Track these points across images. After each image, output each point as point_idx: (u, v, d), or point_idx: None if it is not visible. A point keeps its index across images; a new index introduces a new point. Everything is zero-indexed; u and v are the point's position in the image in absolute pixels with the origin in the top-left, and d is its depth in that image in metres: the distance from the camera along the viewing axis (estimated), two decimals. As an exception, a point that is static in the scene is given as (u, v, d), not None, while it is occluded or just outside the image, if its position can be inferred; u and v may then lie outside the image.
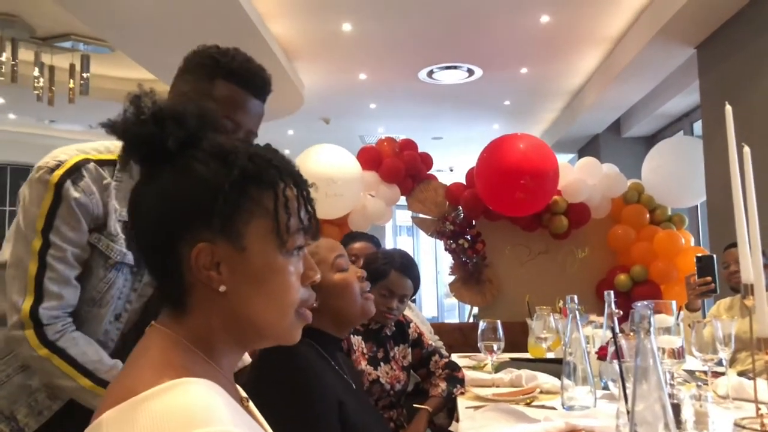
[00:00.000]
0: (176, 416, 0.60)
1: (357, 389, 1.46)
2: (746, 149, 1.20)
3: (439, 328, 4.66)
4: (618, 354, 1.23)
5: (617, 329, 1.46)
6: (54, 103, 5.24)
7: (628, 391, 1.13)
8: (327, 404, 1.25)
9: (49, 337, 1.20)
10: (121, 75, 6.17)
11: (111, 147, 1.30)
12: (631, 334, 1.31)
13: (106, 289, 1.28)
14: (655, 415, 1.07)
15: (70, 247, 1.23)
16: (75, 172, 1.23)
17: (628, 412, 1.11)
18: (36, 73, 5.10)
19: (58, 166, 1.23)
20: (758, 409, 1.13)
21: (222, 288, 0.73)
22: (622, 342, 1.33)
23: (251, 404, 0.90)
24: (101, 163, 1.27)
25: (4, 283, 1.23)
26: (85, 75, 4.87)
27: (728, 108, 1.26)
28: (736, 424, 0.63)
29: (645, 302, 1.06)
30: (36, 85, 5.12)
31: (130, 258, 1.29)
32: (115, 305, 1.30)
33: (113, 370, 1.24)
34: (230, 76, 1.30)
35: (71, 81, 5.02)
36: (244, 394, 0.91)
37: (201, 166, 0.73)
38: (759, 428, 0.62)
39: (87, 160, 1.26)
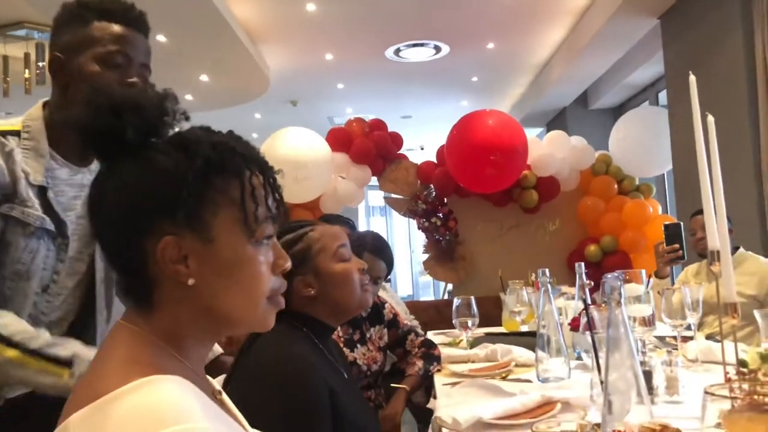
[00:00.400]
0: (146, 415, 0.59)
1: (349, 378, 1.44)
2: (710, 118, 1.21)
3: (415, 306, 4.68)
4: (590, 325, 1.25)
5: (588, 300, 1.48)
6: (9, 93, 5.07)
7: (601, 362, 1.15)
8: (320, 395, 1.23)
9: None
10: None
11: (14, 121, 1.28)
12: (603, 305, 1.32)
13: (31, 260, 1.24)
14: (627, 383, 1.09)
15: None
16: None
17: (601, 382, 1.13)
18: (-11, 63, 4.93)
19: None
20: (726, 372, 1.15)
21: (191, 281, 0.71)
22: (594, 313, 1.35)
23: (224, 396, 0.89)
24: (3, 134, 1.24)
25: None
26: (40, 64, 4.71)
27: (692, 78, 1.27)
28: (706, 392, 0.64)
29: (615, 273, 1.07)
30: (-10, 76, 4.95)
31: (48, 223, 1.24)
32: (41, 276, 1.25)
33: (40, 338, 1.18)
34: (104, 15, 1.29)
35: (26, 71, 4.86)
36: (217, 386, 0.89)
37: (163, 157, 0.71)
38: (728, 394, 0.63)
39: None
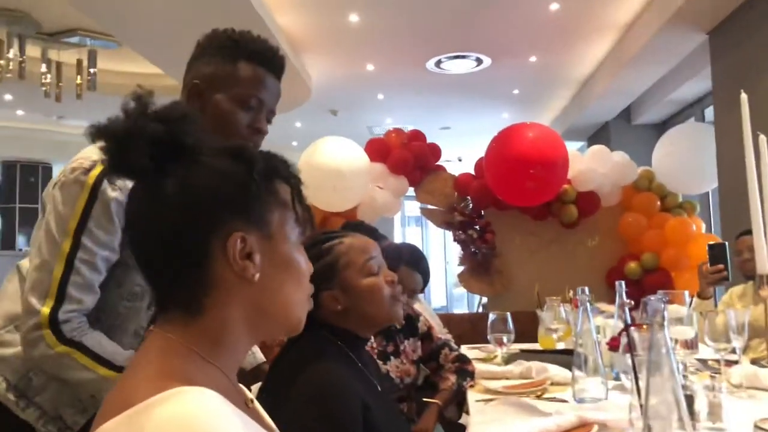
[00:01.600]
0: (176, 425, 0.59)
1: (383, 392, 1.42)
2: (762, 137, 1.18)
3: (448, 319, 4.65)
4: (630, 347, 1.22)
5: (629, 321, 1.45)
6: (62, 99, 5.25)
7: (641, 384, 1.12)
8: (352, 408, 1.22)
9: (66, 335, 1.19)
10: (129, 70, 6.18)
11: None
12: (644, 327, 1.29)
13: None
14: (668, 408, 1.06)
15: (100, 250, 1.22)
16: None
17: (641, 406, 1.10)
18: (43, 69, 5.10)
19: (93, 166, 1.22)
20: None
21: (257, 276, 0.74)
22: (635, 335, 1.31)
23: (256, 404, 0.89)
24: None
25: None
26: (92, 70, 4.86)
27: (744, 96, 1.24)
28: (757, 426, 0.62)
29: (658, 295, 1.05)
30: (43, 81, 5.12)
31: None
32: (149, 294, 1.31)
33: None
34: (252, 57, 1.33)
35: (78, 77, 5.02)
36: (249, 395, 0.90)
37: (220, 162, 0.75)
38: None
39: None
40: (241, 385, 0.91)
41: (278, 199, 0.78)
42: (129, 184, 1.21)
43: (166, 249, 0.74)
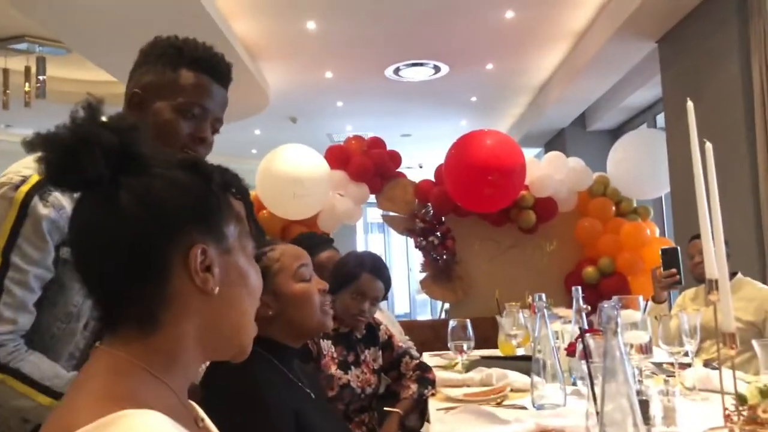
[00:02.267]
0: None
1: (317, 398, 1.42)
2: (708, 145, 1.20)
3: (411, 325, 4.65)
4: (586, 354, 1.23)
5: (585, 326, 1.46)
6: (9, 106, 5.08)
7: (597, 391, 1.13)
8: (280, 416, 1.21)
9: (0, 360, 1.13)
10: (79, 77, 6.02)
11: None
12: (600, 334, 1.31)
13: (83, 301, 1.24)
14: (623, 414, 1.07)
15: (33, 268, 1.16)
16: (42, 187, 1.16)
17: (597, 413, 1.11)
18: (-10, 76, 4.94)
19: (23, 182, 1.16)
20: (724, 407, 1.13)
21: (217, 289, 0.73)
22: (590, 341, 1.32)
23: (207, 422, 0.86)
24: None
25: None
26: (40, 77, 4.72)
27: (690, 104, 1.27)
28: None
29: (611, 301, 1.06)
30: (-10, 88, 4.96)
31: None
32: (86, 314, 1.26)
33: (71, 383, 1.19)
34: (195, 64, 1.29)
35: (27, 84, 4.87)
36: (201, 413, 0.87)
37: (176, 174, 0.72)
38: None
39: None
40: (192, 403, 0.88)
41: (233, 213, 0.78)
42: (62, 200, 1.17)
43: (122, 265, 0.70)
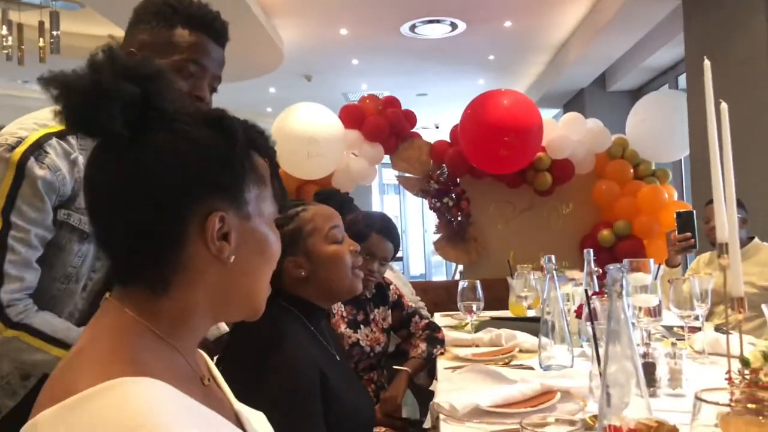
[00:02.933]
0: (111, 423, 0.57)
1: (341, 361, 1.44)
2: (723, 105, 1.16)
3: (425, 286, 4.68)
4: (590, 316, 1.22)
5: (596, 288, 1.45)
6: (24, 62, 5.08)
7: (601, 353, 1.12)
8: (309, 377, 1.23)
9: (12, 319, 1.16)
10: (93, 32, 5.98)
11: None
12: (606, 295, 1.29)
13: (81, 263, 1.25)
14: (627, 375, 1.07)
15: (34, 227, 1.17)
16: (38, 148, 1.17)
17: (600, 374, 1.11)
18: (4, 31, 4.92)
19: (18, 143, 1.16)
20: (729, 370, 1.12)
21: (232, 258, 0.71)
22: (596, 303, 1.32)
23: (218, 378, 0.87)
24: (63, 134, 1.20)
25: None
26: (54, 33, 4.70)
27: (707, 63, 1.22)
28: (697, 398, 0.62)
29: (618, 264, 1.04)
30: (4, 44, 4.94)
31: None
32: (86, 276, 1.28)
33: (70, 332, 1.21)
34: (190, 22, 1.27)
35: (41, 39, 4.85)
36: (212, 369, 0.87)
37: (200, 132, 0.69)
38: (721, 403, 0.61)
39: (49, 135, 1.19)
40: (204, 357, 0.88)
41: (257, 175, 0.74)
42: (58, 162, 1.17)
43: (136, 225, 0.68)
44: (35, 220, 1.17)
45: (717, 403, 0.61)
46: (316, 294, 1.38)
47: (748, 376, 0.90)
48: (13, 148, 1.16)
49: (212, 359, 1.63)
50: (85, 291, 1.29)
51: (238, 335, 1.31)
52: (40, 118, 1.22)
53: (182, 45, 1.26)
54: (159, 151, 0.68)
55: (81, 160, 1.22)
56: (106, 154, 0.70)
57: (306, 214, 1.39)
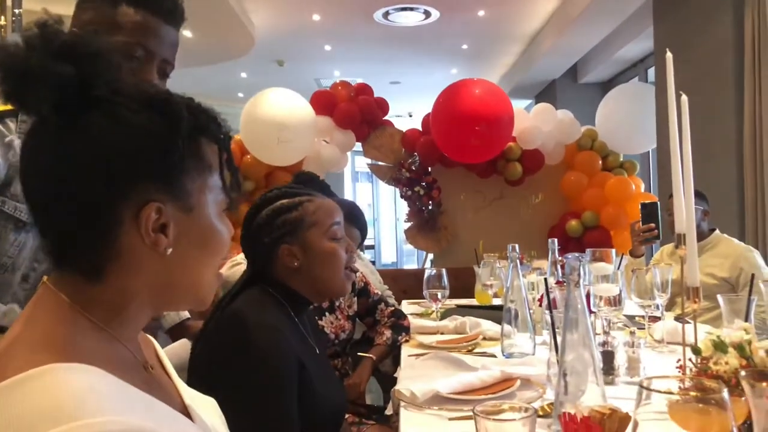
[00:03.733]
0: (41, 410, 0.55)
1: (320, 354, 1.42)
2: (684, 98, 1.18)
3: (395, 274, 4.69)
4: (549, 304, 1.23)
5: (554, 280, 1.46)
6: (-14, 41, 4.93)
7: (559, 341, 1.13)
8: (286, 365, 1.22)
9: None
10: (57, 11, 5.81)
11: None
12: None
13: (18, 253, 1.19)
14: (584, 364, 1.08)
15: None
16: None
17: (558, 362, 1.11)
18: (-35, 8, 4.77)
19: None
20: (684, 353, 1.14)
21: (169, 251, 0.67)
22: (556, 293, 1.33)
23: (165, 362, 0.85)
24: (2, 116, 1.14)
25: None
26: (16, 11, 4.56)
27: (669, 56, 1.24)
28: (641, 386, 0.62)
29: (577, 254, 1.05)
30: (-34, 22, 4.79)
31: None
32: (24, 266, 1.21)
33: (9, 314, 1.15)
34: (135, 1, 1.18)
35: (2, 17, 4.71)
36: (159, 352, 0.85)
37: (139, 116, 0.65)
38: (663, 391, 0.61)
39: None
40: (152, 342, 0.86)
41: (203, 163, 0.70)
42: (15, 138, 1.11)
43: (68, 212, 0.65)
44: None
45: (659, 391, 0.61)
46: (305, 287, 1.36)
47: (698, 365, 0.91)
48: None
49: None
50: (27, 282, 1.22)
51: (218, 316, 1.29)
52: None
53: (126, 26, 1.17)
54: (90, 137, 0.64)
55: (17, 143, 1.14)
56: (37, 137, 0.67)
57: (310, 206, 1.37)
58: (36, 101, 0.62)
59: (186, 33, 6.09)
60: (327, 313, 2.13)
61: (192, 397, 0.82)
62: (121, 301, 0.68)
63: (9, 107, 1.15)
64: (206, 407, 0.83)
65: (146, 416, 0.60)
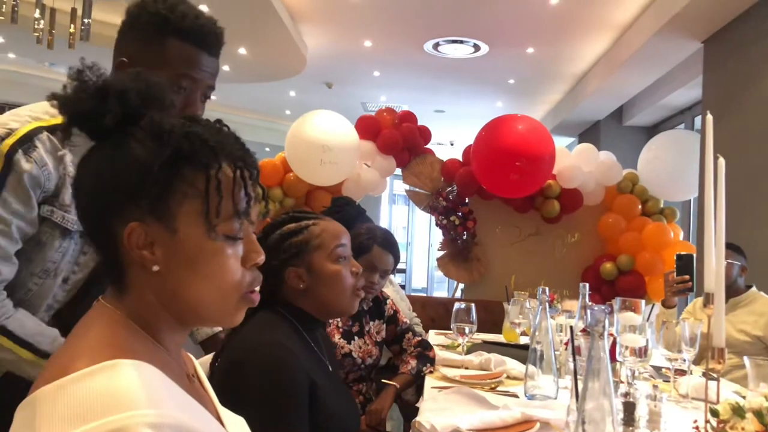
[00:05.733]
0: (103, 398, 0.62)
1: (333, 371, 1.47)
2: (721, 161, 1.20)
3: (425, 301, 4.71)
4: (573, 351, 1.26)
5: (582, 325, 1.48)
6: (53, 46, 5.17)
7: (581, 388, 1.16)
8: (297, 384, 1.26)
9: None
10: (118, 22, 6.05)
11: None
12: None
13: (61, 258, 1.25)
14: (603, 413, 1.10)
15: (16, 220, 1.16)
16: (27, 141, 1.17)
17: (578, 409, 1.14)
18: (37, 14, 5.02)
19: (8, 135, 1.16)
20: (706, 412, 1.15)
21: (155, 268, 0.73)
22: (581, 341, 1.35)
23: (203, 378, 0.91)
24: (55, 128, 1.20)
25: None
26: (86, 20, 4.79)
27: (709, 117, 1.27)
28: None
29: (602, 306, 1.08)
30: (36, 27, 5.04)
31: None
32: (65, 269, 1.27)
33: (55, 342, 1.21)
34: (182, 35, 1.24)
35: (72, 26, 4.94)
36: (198, 368, 0.92)
37: (136, 145, 0.73)
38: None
39: (40, 129, 1.19)
40: (191, 357, 0.93)
41: (190, 190, 0.73)
42: (45, 158, 1.19)
43: (87, 226, 0.77)
44: (18, 213, 1.17)
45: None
46: (313, 307, 1.41)
47: (716, 428, 0.93)
48: (2, 139, 1.16)
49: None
50: (66, 284, 1.28)
51: (233, 336, 1.35)
52: (36, 111, 1.22)
53: (173, 59, 1.23)
54: (95, 163, 0.75)
55: (69, 157, 1.21)
56: (81, 160, 0.78)
57: (315, 229, 1.42)
58: (68, 131, 0.77)
59: (241, 51, 6.29)
60: (356, 337, 2.18)
61: (224, 412, 0.88)
62: (145, 311, 0.76)
63: (61, 121, 1.24)
64: (237, 424, 0.88)
65: (193, 417, 0.67)
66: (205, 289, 0.75)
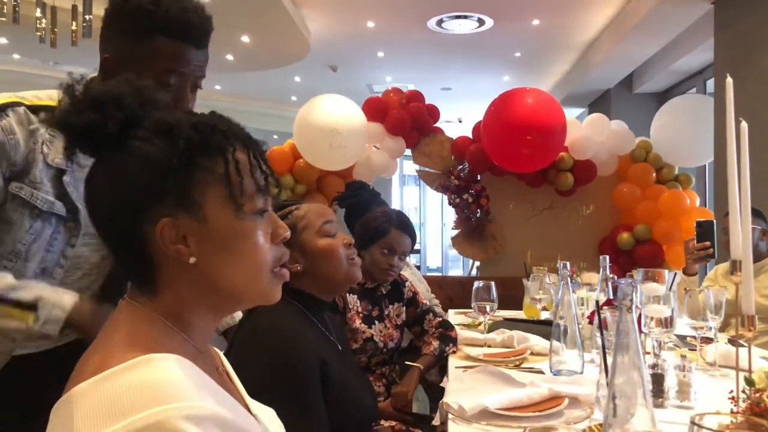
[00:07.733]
0: (140, 392, 0.62)
1: (343, 350, 1.49)
2: (743, 125, 1.17)
3: (441, 281, 4.71)
4: (600, 327, 1.24)
5: (604, 298, 1.47)
6: (56, 44, 5.16)
7: (609, 363, 1.14)
8: (307, 364, 1.29)
9: None
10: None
11: (54, 95, 1.21)
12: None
13: (32, 240, 1.21)
14: (633, 387, 1.09)
15: None
16: (1, 111, 1.17)
17: (607, 384, 1.13)
18: (38, 13, 5.00)
19: None
20: (738, 381, 1.14)
21: (192, 259, 0.74)
22: (607, 314, 1.33)
23: (230, 371, 0.92)
24: (36, 108, 1.19)
25: None
26: (87, 17, 4.77)
27: (729, 81, 1.23)
28: (693, 422, 0.64)
29: (628, 279, 1.06)
30: (38, 26, 5.03)
31: (59, 207, 1.22)
32: (42, 257, 1.23)
33: (1, 282, 1.15)
34: (167, 31, 1.21)
35: (73, 23, 4.93)
36: (224, 361, 0.92)
37: (146, 145, 0.73)
38: (715, 429, 0.63)
39: (18, 103, 1.19)
40: (216, 351, 0.93)
41: (210, 176, 0.75)
42: (14, 126, 1.17)
43: (110, 235, 0.76)
44: None
45: (711, 429, 0.63)
46: (314, 287, 1.46)
47: (751, 397, 0.91)
48: None
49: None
50: (51, 276, 1.24)
51: (243, 326, 1.38)
52: (24, 93, 1.22)
53: (159, 56, 1.21)
54: (107, 167, 0.75)
55: (41, 133, 1.19)
56: (88, 177, 0.78)
57: (298, 212, 1.48)
58: (74, 146, 0.76)
59: (244, 38, 6.26)
60: (377, 321, 2.18)
61: (254, 404, 0.88)
62: (178, 308, 0.76)
63: (45, 103, 1.22)
64: (267, 414, 0.88)
65: (225, 408, 0.68)
66: (242, 270, 0.77)
